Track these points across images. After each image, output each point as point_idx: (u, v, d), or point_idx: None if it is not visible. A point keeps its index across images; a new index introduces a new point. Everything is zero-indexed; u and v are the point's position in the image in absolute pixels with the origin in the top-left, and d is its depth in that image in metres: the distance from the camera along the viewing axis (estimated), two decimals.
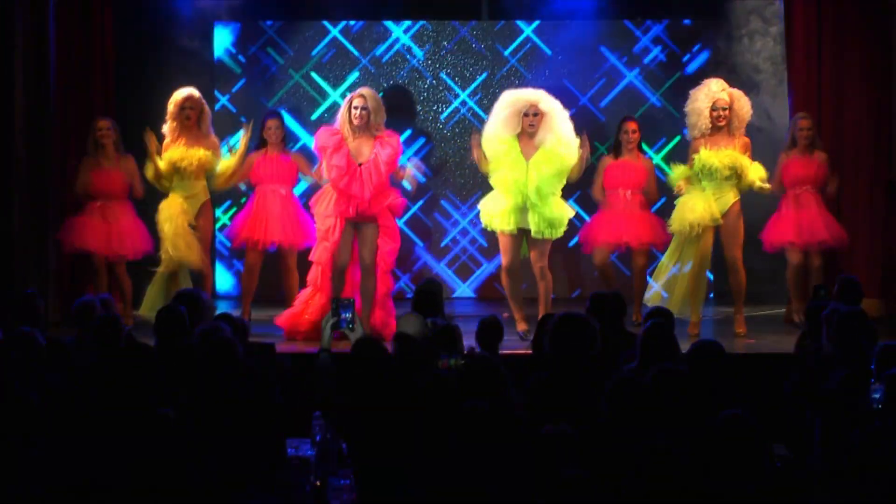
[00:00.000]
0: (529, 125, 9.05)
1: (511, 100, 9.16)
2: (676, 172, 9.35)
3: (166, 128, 9.55)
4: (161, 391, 5.66)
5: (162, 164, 9.46)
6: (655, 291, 9.42)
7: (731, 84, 9.57)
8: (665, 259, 9.43)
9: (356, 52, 11.59)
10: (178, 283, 9.40)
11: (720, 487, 4.70)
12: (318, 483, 5.29)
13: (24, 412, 5.26)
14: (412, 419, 5.54)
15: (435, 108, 11.72)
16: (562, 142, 9.07)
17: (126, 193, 9.77)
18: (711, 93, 9.26)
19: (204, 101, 9.65)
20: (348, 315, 6.43)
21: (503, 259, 9.24)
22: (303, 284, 9.46)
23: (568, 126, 9.15)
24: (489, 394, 5.50)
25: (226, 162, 9.65)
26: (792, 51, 10.42)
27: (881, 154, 10.29)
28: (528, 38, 11.60)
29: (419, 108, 11.66)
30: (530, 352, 7.38)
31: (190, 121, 9.52)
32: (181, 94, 9.56)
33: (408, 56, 11.62)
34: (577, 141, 9.13)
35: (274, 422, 5.82)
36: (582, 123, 9.74)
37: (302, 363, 7.61)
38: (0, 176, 9.65)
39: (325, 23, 11.60)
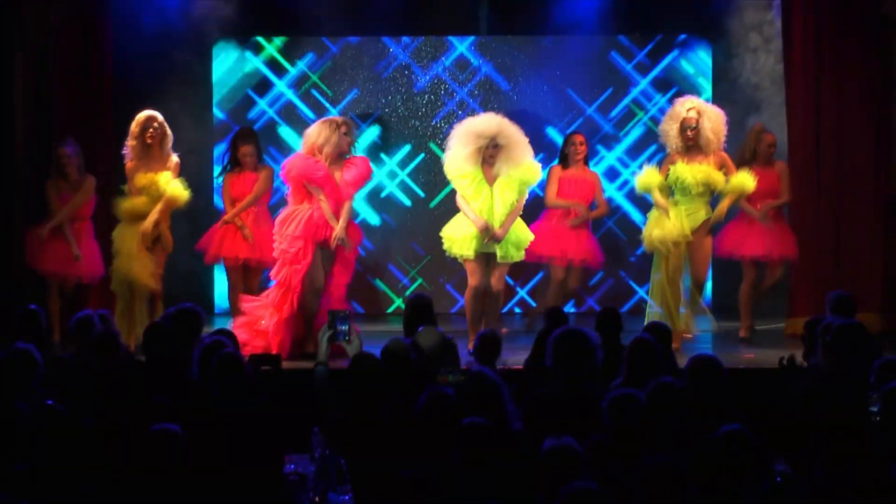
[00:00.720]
0: (490, 156, 9.26)
1: (469, 136, 9.29)
2: (647, 178, 9.36)
3: (127, 147, 9.54)
4: (160, 406, 5.66)
5: (129, 200, 9.47)
6: (654, 311, 9.43)
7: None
8: (652, 276, 9.45)
9: (355, 68, 11.62)
10: (136, 307, 9.41)
11: (721, 502, 4.70)
12: (316, 499, 5.28)
13: (18, 427, 5.27)
14: (411, 434, 5.54)
15: (434, 123, 11.73)
16: (520, 168, 9.26)
17: (88, 214, 9.76)
18: (677, 113, 9.33)
19: (166, 123, 9.60)
20: (345, 327, 6.42)
21: (471, 280, 9.35)
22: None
23: (525, 152, 9.31)
24: (488, 409, 5.50)
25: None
26: (790, 67, 10.39)
27: (881, 169, 10.27)
28: (526, 53, 11.61)
29: (417, 122, 11.67)
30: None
31: (153, 141, 9.48)
32: (144, 114, 9.53)
33: (406, 72, 11.64)
34: (537, 164, 9.36)
35: (274, 436, 5.82)
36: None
37: (303, 378, 7.61)
38: (2, 192, 9.64)
39: (324, 39, 11.62)
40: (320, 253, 9.07)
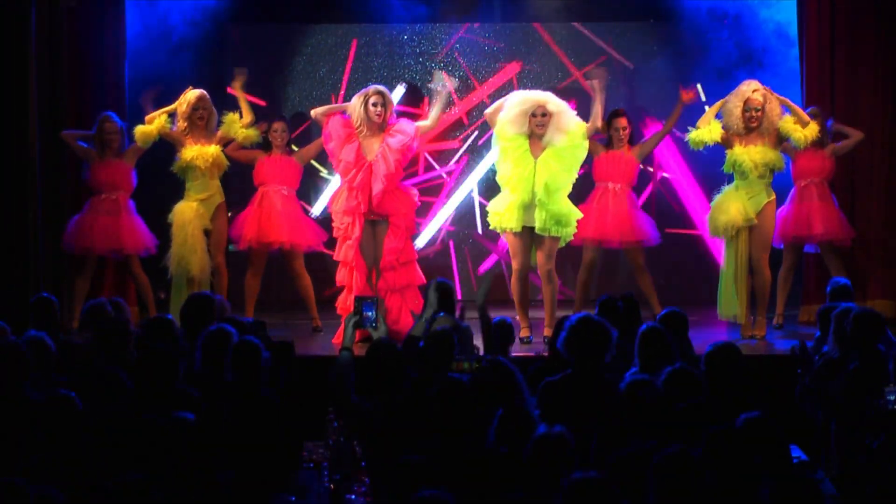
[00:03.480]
0: (537, 125, 8.95)
1: (518, 100, 9.08)
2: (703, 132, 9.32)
3: (176, 127, 9.61)
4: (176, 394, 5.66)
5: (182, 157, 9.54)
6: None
7: None
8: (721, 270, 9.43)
9: (367, 54, 11.60)
10: (197, 287, 9.42)
11: (741, 490, 4.68)
12: (332, 486, 5.28)
13: (31, 415, 5.27)
14: (426, 421, 5.52)
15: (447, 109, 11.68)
16: (572, 140, 9.01)
17: (129, 188, 9.78)
18: (742, 92, 9.24)
19: (211, 102, 9.69)
20: (372, 314, 6.35)
21: (514, 262, 9.11)
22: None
23: (577, 122, 9.08)
24: (505, 399, 5.48)
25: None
26: (806, 55, 10.37)
27: (895, 155, 10.27)
28: (542, 38, 11.56)
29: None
30: (544, 355, 7.38)
31: (202, 121, 9.59)
32: (193, 94, 9.60)
33: (421, 58, 11.61)
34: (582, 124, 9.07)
35: (292, 423, 5.81)
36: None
37: (319, 365, 7.60)
38: (16, 179, 9.66)
39: (338, 25, 11.60)
40: (369, 227, 9.02)
